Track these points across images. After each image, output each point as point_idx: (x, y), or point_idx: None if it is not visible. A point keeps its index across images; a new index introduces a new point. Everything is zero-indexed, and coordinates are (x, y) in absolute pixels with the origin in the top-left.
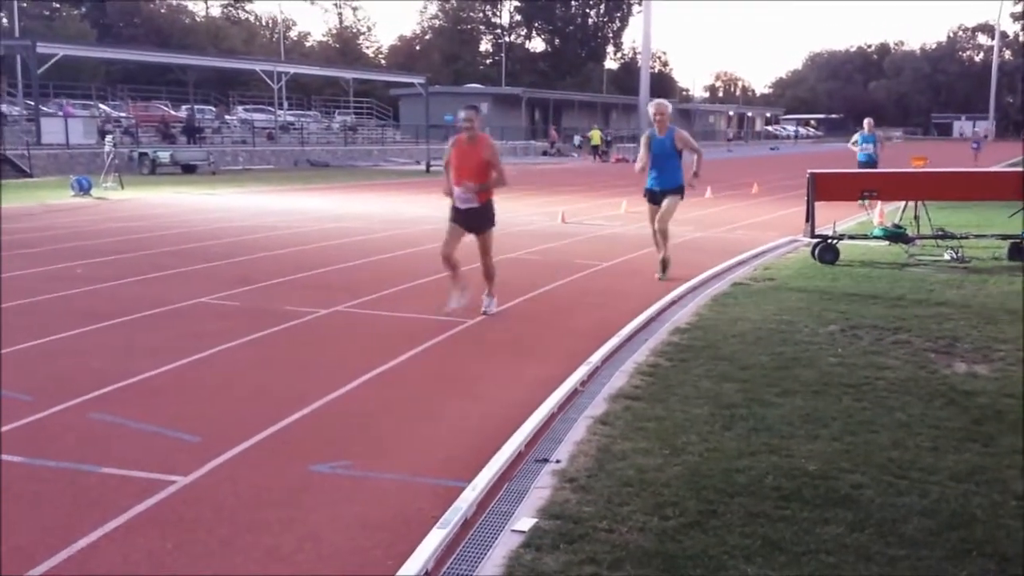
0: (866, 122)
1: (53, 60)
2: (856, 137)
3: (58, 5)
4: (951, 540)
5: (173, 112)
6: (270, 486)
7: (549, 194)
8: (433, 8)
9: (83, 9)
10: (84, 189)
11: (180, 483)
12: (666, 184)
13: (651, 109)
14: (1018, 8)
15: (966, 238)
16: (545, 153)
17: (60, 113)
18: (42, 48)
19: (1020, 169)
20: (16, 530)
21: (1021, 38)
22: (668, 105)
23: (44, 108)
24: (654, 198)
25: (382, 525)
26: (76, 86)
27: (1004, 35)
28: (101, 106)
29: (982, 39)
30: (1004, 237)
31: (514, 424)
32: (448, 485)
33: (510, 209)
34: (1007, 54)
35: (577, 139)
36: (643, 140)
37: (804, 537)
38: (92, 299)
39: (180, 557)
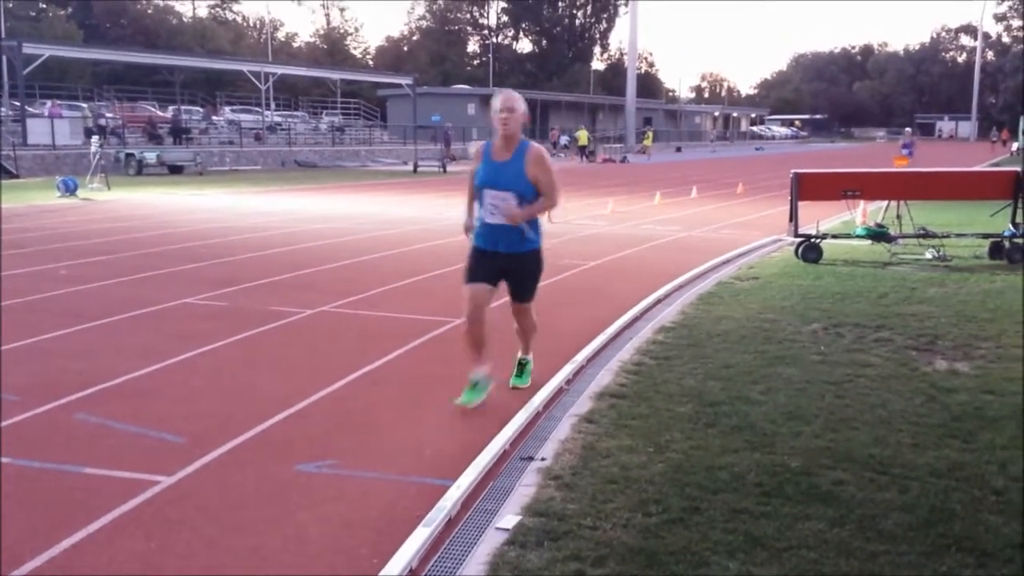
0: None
1: (39, 60)
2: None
3: (44, 5)
4: (931, 535)
5: (160, 113)
6: (255, 486)
7: None
8: (420, 9)
9: (69, 9)
10: (70, 190)
11: (164, 483)
12: (512, 242)
13: (496, 104)
14: (1001, 9)
15: (947, 237)
16: None
17: (46, 114)
18: (28, 48)
19: (1002, 169)
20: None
21: (1004, 39)
22: (519, 100)
23: (30, 109)
24: (488, 267)
25: (367, 524)
26: (62, 87)
27: (987, 36)
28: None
29: (965, 40)
30: (985, 236)
31: (500, 422)
32: (433, 484)
33: None
34: (989, 55)
35: (564, 139)
36: (472, 159)
37: (785, 533)
38: (77, 300)
39: (165, 557)
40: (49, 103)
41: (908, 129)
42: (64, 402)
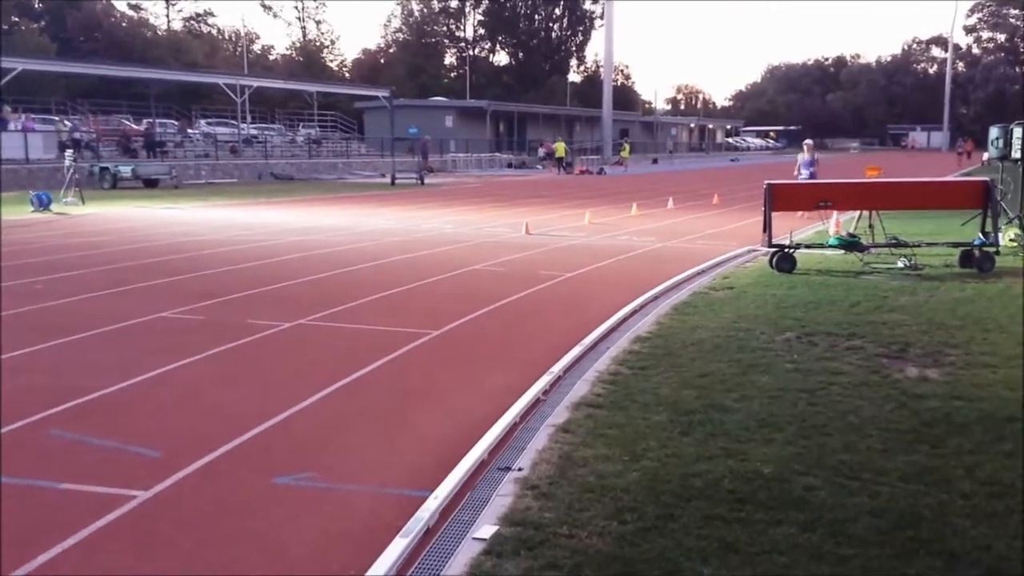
0: None
1: (12, 74)
2: None
3: (17, 19)
4: (900, 539)
5: (134, 126)
6: (233, 499)
7: (514, 206)
8: (397, 21)
9: (42, 22)
10: (44, 204)
11: (140, 498)
12: None
13: None
14: (971, 21)
15: (918, 246)
16: (510, 165)
17: (19, 128)
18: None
19: (972, 179)
20: None
21: (974, 50)
22: None
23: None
24: None
25: (345, 536)
26: (35, 100)
27: (957, 47)
28: (67, 122)
29: (936, 51)
30: (955, 245)
31: (477, 433)
32: (411, 495)
33: (474, 221)
34: (960, 66)
35: (542, 151)
36: None
37: (758, 538)
38: (52, 315)
39: (141, 572)
40: (23, 117)
41: (809, 141)
42: (39, 418)
